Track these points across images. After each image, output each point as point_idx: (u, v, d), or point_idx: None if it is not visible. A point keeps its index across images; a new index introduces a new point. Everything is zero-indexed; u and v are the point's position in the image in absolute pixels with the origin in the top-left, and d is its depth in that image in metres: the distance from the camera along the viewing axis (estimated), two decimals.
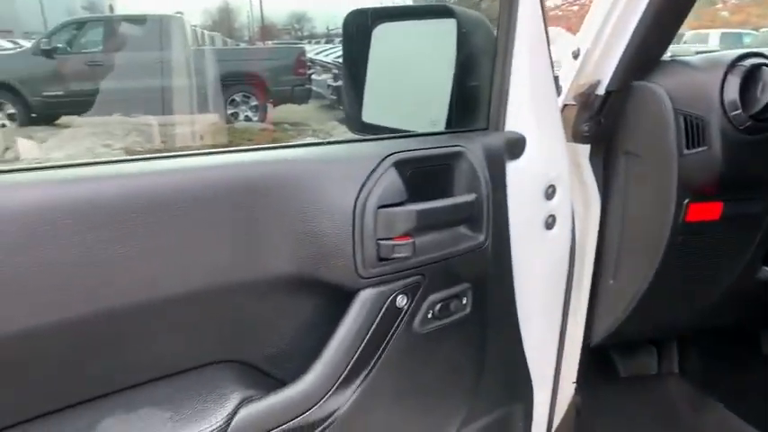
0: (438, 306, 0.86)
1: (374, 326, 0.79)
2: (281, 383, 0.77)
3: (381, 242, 0.76)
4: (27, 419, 0.65)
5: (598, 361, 1.85)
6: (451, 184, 0.88)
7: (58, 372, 0.65)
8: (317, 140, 0.82)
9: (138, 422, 0.67)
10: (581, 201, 1.25)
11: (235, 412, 0.70)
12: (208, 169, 0.71)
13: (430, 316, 0.86)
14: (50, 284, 0.59)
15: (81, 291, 0.61)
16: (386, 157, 0.78)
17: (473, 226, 0.89)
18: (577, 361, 1.34)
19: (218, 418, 0.69)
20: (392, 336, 0.82)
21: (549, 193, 1.01)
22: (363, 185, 0.75)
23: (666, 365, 1.85)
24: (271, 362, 0.81)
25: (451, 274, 0.87)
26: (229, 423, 0.69)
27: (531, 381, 1.15)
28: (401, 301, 0.81)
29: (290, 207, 0.73)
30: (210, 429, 0.68)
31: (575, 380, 1.36)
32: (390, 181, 0.77)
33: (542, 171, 1.00)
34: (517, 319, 1.05)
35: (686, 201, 1.09)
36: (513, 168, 0.95)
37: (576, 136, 1.19)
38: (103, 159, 0.68)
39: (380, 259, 0.77)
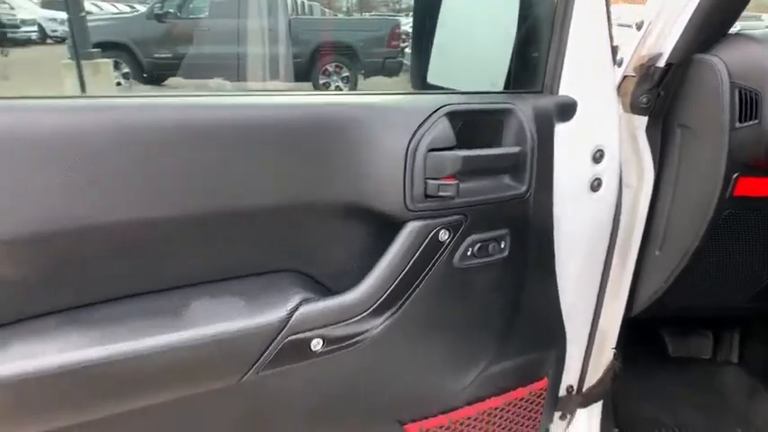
0: (477, 246, 0.97)
1: (417, 254, 0.91)
2: (333, 294, 0.92)
3: (429, 181, 0.88)
4: (137, 293, 0.83)
5: (646, 337, 1.87)
6: (499, 138, 0.98)
7: (162, 258, 0.83)
8: (380, 91, 0.94)
9: (219, 306, 0.84)
10: (635, 172, 1.30)
11: (296, 308, 0.85)
12: (289, 107, 0.85)
13: (469, 253, 0.97)
14: (166, 185, 0.76)
15: (185, 193, 0.77)
16: (439, 108, 0.90)
17: (516, 177, 0.98)
18: (617, 328, 1.40)
19: (283, 311, 0.84)
20: (433, 265, 0.94)
21: (597, 156, 1.08)
22: (417, 130, 0.87)
23: (725, 352, 1.84)
24: (326, 276, 0.95)
25: (492, 219, 0.97)
26: (291, 316, 0.84)
27: (564, 333, 1.23)
28: (443, 235, 0.93)
29: (352, 144, 0.86)
30: (276, 318, 0.83)
31: (614, 346, 1.42)
32: (441, 128, 0.89)
33: (591, 135, 1.07)
34: (554, 271, 1.14)
35: (735, 175, 1.12)
36: (561, 130, 1.03)
37: (633, 107, 1.24)
38: (210, 93, 0.84)
39: (427, 196, 0.89)
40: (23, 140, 0.68)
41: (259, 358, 0.83)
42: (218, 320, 0.81)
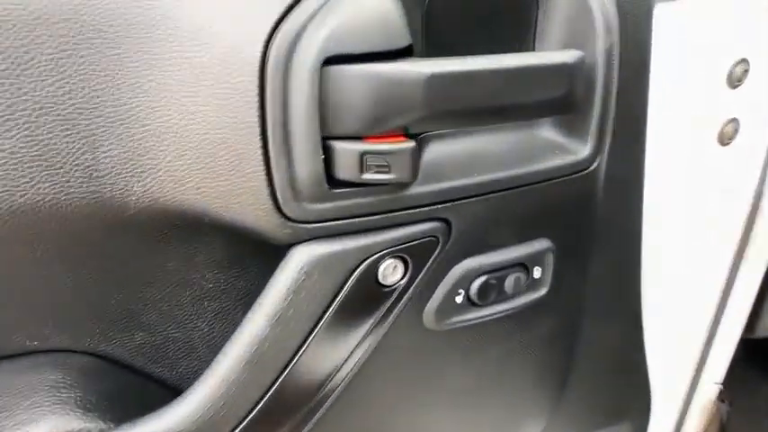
0: (478, 283, 0.43)
1: (324, 322, 0.38)
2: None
3: (335, 144, 0.34)
4: None
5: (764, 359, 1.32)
6: (526, 37, 0.42)
7: None
8: None
9: None
10: None
11: None
12: None
13: (459, 301, 0.43)
14: None
15: None
16: None
17: (568, 123, 0.43)
18: (729, 356, 0.86)
19: None
20: (365, 339, 0.41)
21: (737, 75, 0.51)
22: (287, 13, 0.32)
23: None
24: (135, 353, 0.44)
25: (511, 222, 0.43)
26: None
27: (648, 391, 0.71)
28: (388, 271, 0.39)
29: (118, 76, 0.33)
30: None
31: (719, 380, 0.88)
32: (364, 6, 0.33)
33: (726, 35, 0.50)
34: (639, 301, 0.59)
35: None
36: (667, 19, 0.46)
37: None
38: None
39: (335, 183, 0.35)
40: None
41: None
42: None
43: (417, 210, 0.38)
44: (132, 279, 0.41)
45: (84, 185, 0.35)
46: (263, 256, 0.41)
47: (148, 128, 0.34)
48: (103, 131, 0.34)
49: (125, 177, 0.35)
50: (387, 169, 0.34)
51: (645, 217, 0.53)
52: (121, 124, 0.34)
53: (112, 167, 0.35)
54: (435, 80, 0.33)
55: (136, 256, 0.40)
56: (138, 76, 0.33)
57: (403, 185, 0.36)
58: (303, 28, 0.32)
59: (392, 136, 0.35)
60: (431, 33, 0.39)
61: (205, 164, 0.34)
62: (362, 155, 0.34)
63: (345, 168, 0.34)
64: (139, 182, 0.35)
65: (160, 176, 0.35)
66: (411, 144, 0.34)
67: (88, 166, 0.35)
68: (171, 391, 0.44)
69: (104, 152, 0.35)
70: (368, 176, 0.34)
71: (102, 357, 0.43)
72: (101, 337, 0.42)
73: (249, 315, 0.38)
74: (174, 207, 0.36)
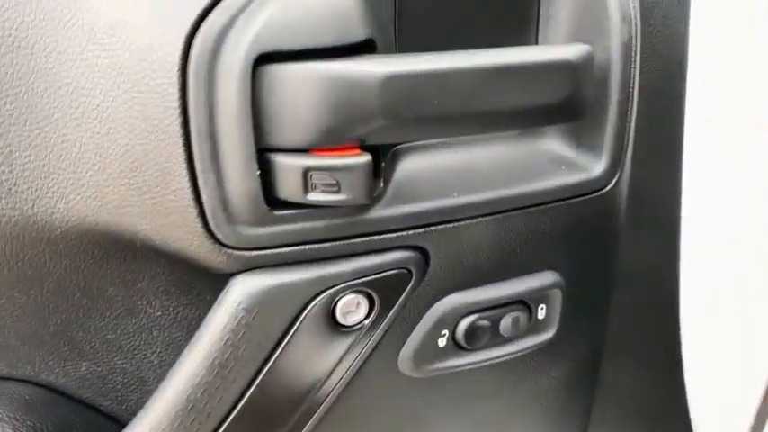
0: (465, 323, 0.36)
1: (272, 365, 0.33)
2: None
3: (275, 158, 0.28)
4: None
5: None
6: (526, 30, 0.35)
7: None
8: None
9: None
10: None
11: None
12: None
13: (443, 344, 0.37)
14: None
15: None
16: None
17: (577, 133, 0.36)
18: None
19: None
20: (322, 386, 0.35)
21: None
22: (214, 5, 0.27)
23: None
24: (85, 384, 0.40)
25: (505, 252, 0.36)
26: None
27: None
28: (349, 308, 0.33)
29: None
30: None
31: None
32: None
33: None
34: (678, 341, 0.50)
35: None
36: (710, 3, 0.38)
37: None
38: None
39: (280, 203, 0.29)
40: None
41: None
42: None
43: (383, 236, 0.32)
44: (70, 304, 0.36)
45: (3, 201, 0.31)
46: (216, 283, 0.36)
47: (68, 137, 0.30)
48: (20, 141, 0.30)
49: (47, 193, 0.31)
50: (336, 188, 0.28)
51: (684, 245, 0.45)
52: (39, 133, 0.30)
53: (32, 181, 0.31)
54: (394, 81, 0.27)
55: (71, 279, 0.35)
56: (53, 79, 0.29)
57: (362, 207, 0.30)
58: (233, 19, 0.26)
59: (344, 149, 0.29)
60: (405, 25, 0.33)
61: (129, 179, 0.29)
62: (306, 171, 0.28)
63: (286, 187, 0.29)
64: (62, 198, 0.31)
65: (84, 192, 0.31)
66: (365, 158, 0.28)
67: (5, 180, 0.31)
68: (122, 428, 0.40)
69: (22, 164, 0.30)
70: (314, 197, 0.28)
71: (46, 387, 0.39)
72: (41, 364, 0.38)
73: (184, 354, 0.33)
74: (101, 228, 0.31)
